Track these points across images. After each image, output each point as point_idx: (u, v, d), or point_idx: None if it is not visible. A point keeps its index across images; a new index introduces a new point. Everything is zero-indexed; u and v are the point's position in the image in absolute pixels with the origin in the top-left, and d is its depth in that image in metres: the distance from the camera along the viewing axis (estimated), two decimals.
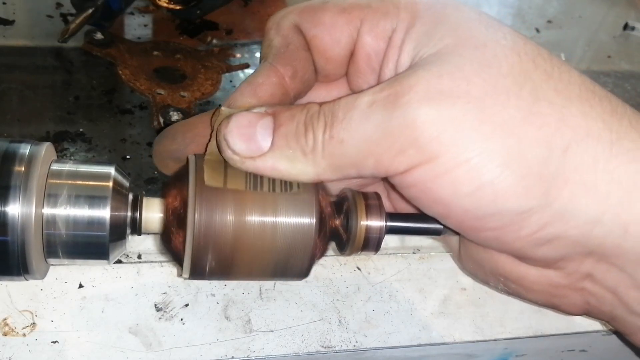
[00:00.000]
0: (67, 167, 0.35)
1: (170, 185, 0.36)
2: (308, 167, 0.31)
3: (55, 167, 0.35)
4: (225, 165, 0.34)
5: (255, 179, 0.33)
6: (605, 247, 0.30)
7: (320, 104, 0.31)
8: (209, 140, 0.35)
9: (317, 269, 0.46)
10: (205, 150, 0.35)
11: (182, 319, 0.41)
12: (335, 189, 0.39)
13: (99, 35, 0.66)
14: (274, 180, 0.34)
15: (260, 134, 0.32)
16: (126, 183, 0.37)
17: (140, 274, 0.43)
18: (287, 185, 0.34)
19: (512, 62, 0.29)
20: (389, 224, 0.37)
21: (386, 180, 0.32)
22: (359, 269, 0.47)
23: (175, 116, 0.58)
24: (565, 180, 0.28)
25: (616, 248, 0.30)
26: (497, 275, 0.36)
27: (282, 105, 0.33)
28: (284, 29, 0.35)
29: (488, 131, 0.28)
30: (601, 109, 0.29)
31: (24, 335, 0.38)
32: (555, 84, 0.29)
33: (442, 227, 0.38)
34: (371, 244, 0.37)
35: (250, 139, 0.32)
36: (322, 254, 0.37)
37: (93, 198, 0.34)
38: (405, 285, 0.47)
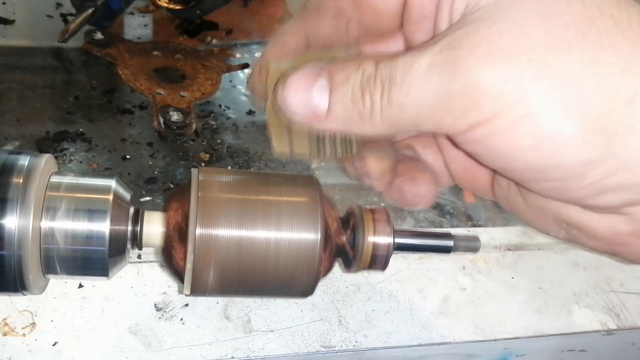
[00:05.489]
0: (67, 179, 0.34)
1: (172, 198, 0.35)
2: (366, 128, 0.31)
3: (55, 179, 0.34)
4: (289, 128, 0.34)
5: (318, 142, 0.34)
6: None
7: (376, 62, 0.30)
8: (265, 102, 0.35)
9: None
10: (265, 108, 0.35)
11: (182, 319, 0.41)
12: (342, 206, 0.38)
13: (99, 35, 0.66)
14: (334, 141, 0.34)
15: (317, 98, 0.31)
16: (127, 196, 0.36)
17: (140, 274, 0.43)
18: (348, 146, 0.34)
19: (575, 10, 0.28)
20: (396, 241, 0.36)
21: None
22: None
23: (175, 116, 0.58)
24: (630, 130, 0.28)
25: None
26: (559, 222, 0.35)
27: (336, 63, 0.32)
28: None
29: (548, 85, 0.27)
30: None
31: (24, 335, 0.38)
32: (623, 30, 0.28)
33: (452, 244, 0.37)
34: (378, 261, 0.36)
35: (308, 105, 0.31)
36: (328, 271, 0.36)
37: (92, 211, 0.33)
38: (405, 285, 0.47)
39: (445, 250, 0.38)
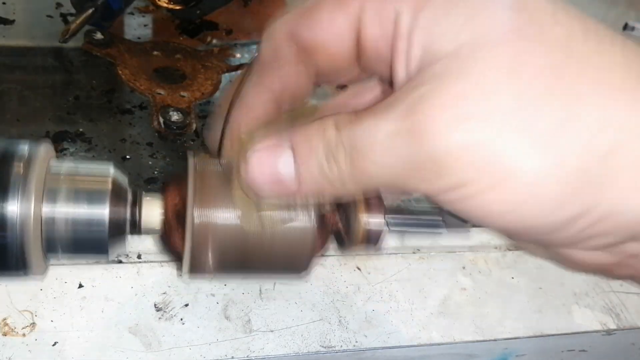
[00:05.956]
0: (66, 165, 0.35)
1: (170, 183, 0.36)
2: (339, 193, 0.31)
3: (54, 165, 0.35)
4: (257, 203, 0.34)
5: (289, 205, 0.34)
6: None
7: (336, 126, 0.29)
8: (232, 180, 0.34)
9: (317, 269, 0.46)
10: (232, 186, 0.34)
11: (182, 319, 0.41)
12: None
13: (99, 35, 0.66)
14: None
15: (283, 172, 0.31)
16: (125, 181, 0.37)
17: (140, 274, 0.43)
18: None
19: (540, 60, 0.27)
20: (389, 217, 0.37)
21: None
22: (358, 269, 0.47)
23: (175, 116, 0.58)
24: (610, 183, 0.27)
25: None
26: (539, 246, 0.36)
27: (296, 131, 0.31)
28: (275, 39, 0.34)
29: (521, 150, 0.26)
30: None
31: (24, 335, 0.38)
32: (594, 75, 0.27)
33: (443, 222, 0.38)
34: (372, 239, 0.37)
35: (275, 183, 0.31)
36: (322, 249, 0.37)
37: (92, 196, 0.34)
38: (405, 285, 0.47)
39: (437, 225, 0.38)
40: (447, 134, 0.26)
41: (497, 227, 0.30)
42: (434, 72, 0.28)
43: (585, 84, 0.27)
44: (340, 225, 0.37)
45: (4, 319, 0.39)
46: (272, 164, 0.31)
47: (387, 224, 0.37)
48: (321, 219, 0.35)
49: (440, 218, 0.38)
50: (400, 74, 0.31)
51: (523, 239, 0.32)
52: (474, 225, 0.37)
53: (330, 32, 0.33)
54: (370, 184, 0.30)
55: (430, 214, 0.37)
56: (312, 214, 0.34)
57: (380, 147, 0.28)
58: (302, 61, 0.34)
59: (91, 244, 0.35)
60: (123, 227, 0.36)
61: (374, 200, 0.37)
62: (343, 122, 0.29)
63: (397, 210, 0.38)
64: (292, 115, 0.34)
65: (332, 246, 0.44)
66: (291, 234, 0.34)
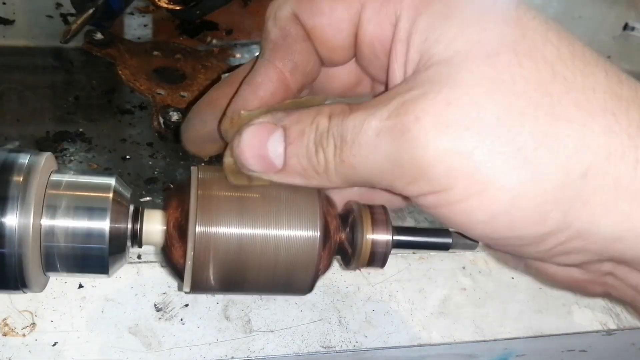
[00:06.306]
0: (67, 177, 0.34)
1: (172, 197, 0.36)
2: (322, 182, 0.31)
3: (55, 177, 0.34)
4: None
5: None
6: (626, 257, 0.29)
7: (330, 117, 0.30)
8: (225, 149, 0.34)
9: None
10: (224, 154, 0.34)
11: (182, 319, 0.41)
12: (340, 200, 0.38)
13: (99, 35, 0.66)
14: None
15: (271, 153, 0.31)
16: (127, 194, 0.36)
17: (140, 274, 0.43)
18: None
19: (527, 74, 0.27)
20: (395, 238, 0.36)
21: None
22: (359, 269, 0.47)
23: (175, 116, 0.58)
24: (584, 202, 0.27)
25: (638, 259, 0.29)
26: (518, 259, 0.36)
27: (291, 114, 0.32)
28: (281, 19, 0.34)
29: (501, 162, 0.27)
30: (627, 121, 0.27)
31: (24, 335, 0.38)
32: (577, 96, 0.27)
33: (450, 241, 0.37)
34: (377, 258, 0.36)
35: (263, 160, 0.32)
36: (327, 268, 0.36)
37: (93, 209, 0.33)
38: (405, 285, 0.47)
39: (444, 247, 0.38)
40: (430, 139, 0.27)
41: (474, 235, 0.30)
42: (427, 77, 0.28)
43: (567, 104, 0.27)
44: (345, 243, 0.36)
45: (4, 319, 0.39)
46: (262, 140, 0.31)
47: (394, 244, 0.36)
48: (326, 237, 0.35)
49: (449, 239, 0.37)
50: (397, 75, 0.31)
51: (499, 249, 0.33)
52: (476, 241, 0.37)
53: (330, 20, 0.33)
54: (355, 177, 0.30)
55: (437, 233, 0.37)
56: (318, 232, 0.34)
57: (366, 142, 0.28)
58: (309, 39, 0.34)
59: (91, 257, 0.34)
60: (124, 241, 0.35)
61: (380, 218, 0.36)
62: (336, 112, 0.30)
63: (404, 230, 0.37)
64: (297, 103, 0.34)
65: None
66: (296, 251, 0.34)
